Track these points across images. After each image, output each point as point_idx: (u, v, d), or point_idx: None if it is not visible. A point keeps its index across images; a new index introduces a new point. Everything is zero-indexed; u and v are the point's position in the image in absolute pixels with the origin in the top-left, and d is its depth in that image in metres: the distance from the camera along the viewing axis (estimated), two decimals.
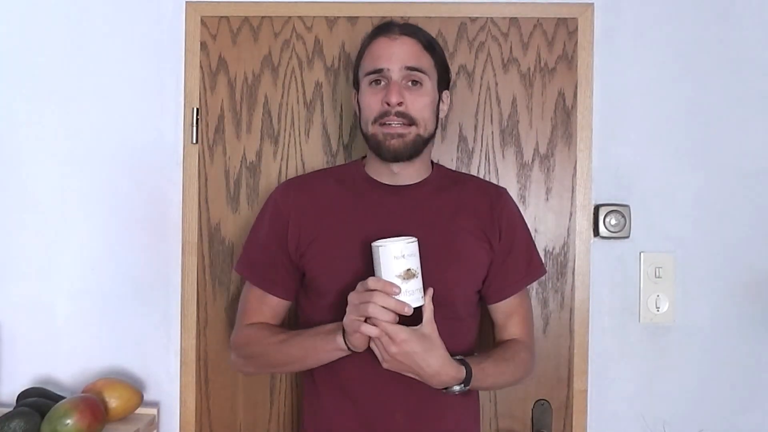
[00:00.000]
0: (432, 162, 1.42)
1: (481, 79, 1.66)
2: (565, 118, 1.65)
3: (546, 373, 1.64)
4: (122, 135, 1.69)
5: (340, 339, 1.22)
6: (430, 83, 1.30)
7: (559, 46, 1.65)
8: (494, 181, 1.64)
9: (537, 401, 1.64)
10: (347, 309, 1.18)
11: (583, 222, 1.64)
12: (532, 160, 1.65)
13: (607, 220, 1.62)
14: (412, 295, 1.15)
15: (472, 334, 1.38)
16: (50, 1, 1.70)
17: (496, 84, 1.65)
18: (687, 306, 1.65)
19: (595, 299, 1.65)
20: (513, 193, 1.64)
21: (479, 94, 1.66)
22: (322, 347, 1.25)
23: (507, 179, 1.65)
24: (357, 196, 1.35)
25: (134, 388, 1.58)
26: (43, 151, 1.70)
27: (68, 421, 1.40)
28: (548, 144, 1.65)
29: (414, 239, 1.17)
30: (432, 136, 1.33)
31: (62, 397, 1.53)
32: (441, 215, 1.34)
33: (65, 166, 1.70)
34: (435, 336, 1.18)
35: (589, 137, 1.65)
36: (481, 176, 1.64)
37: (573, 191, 1.65)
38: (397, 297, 1.14)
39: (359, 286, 1.18)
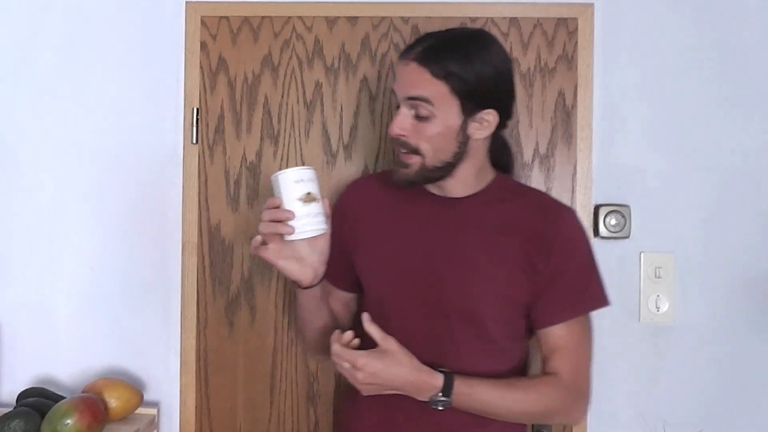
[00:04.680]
0: (498, 174, 1.35)
1: None
2: (565, 118, 1.65)
3: None
4: (122, 135, 1.69)
5: None
6: (441, 113, 1.22)
7: (559, 46, 1.65)
8: None
9: None
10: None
11: (583, 222, 1.64)
12: (532, 160, 1.65)
13: (607, 220, 1.62)
14: (315, 217, 1.21)
15: (512, 360, 1.31)
16: (50, 1, 1.70)
17: None
18: (687, 306, 1.65)
19: None
20: None
21: None
22: None
23: None
24: (406, 203, 1.34)
25: (134, 388, 1.58)
26: (43, 151, 1.70)
27: (68, 421, 1.40)
28: (548, 144, 1.65)
29: (311, 168, 1.23)
30: (451, 163, 1.26)
31: (62, 397, 1.53)
32: (482, 231, 1.28)
33: (65, 166, 1.70)
34: (397, 349, 1.19)
35: (589, 137, 1.64)
36: None
37: (573, 191, 1.65)
38: (299, 220, 1.19)
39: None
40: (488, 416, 1.23)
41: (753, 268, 1.64)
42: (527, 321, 1.30)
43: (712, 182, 1.64)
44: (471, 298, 1.26)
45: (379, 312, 1.28)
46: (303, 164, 1.66)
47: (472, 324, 1.26)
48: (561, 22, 1.65)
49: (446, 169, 1.27)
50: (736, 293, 1.64)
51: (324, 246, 1.28)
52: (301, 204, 1.19)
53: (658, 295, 1.64)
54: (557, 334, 1.28)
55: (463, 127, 1.24)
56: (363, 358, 1.17)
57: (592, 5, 1.64)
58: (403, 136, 1.24)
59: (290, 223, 1.20)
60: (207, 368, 1.67)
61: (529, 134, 1.65)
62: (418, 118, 1.23)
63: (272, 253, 1.24)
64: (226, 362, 1.67)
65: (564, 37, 1.65)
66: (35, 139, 1.70)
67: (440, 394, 1.19)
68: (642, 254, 1.65)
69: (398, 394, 1.22)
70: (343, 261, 1.37)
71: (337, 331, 1.22)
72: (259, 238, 1.25)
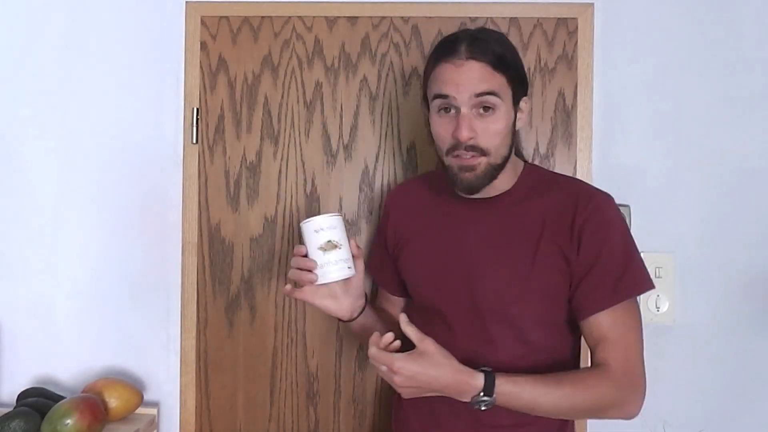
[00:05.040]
0: (526, 164, 1.34)
1: None
2: (565, 118, 1.65)
3: None
4: (122, 135, 1.69)
5: None
6: (504, 105, 1.21)
7: (559, 46, 1.65)
8: None
9: None
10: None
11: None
12: (532, 160, 1.65)
13: None
14: (337, 265, 1.25)
15: (555, 359, 1.26)
16: (50, 1, 1.70)
17: None
18: (687, 306, 1.65)
19: None
20: None
21: None
22: None
23: None
24: (440, 206, 1.34)
25: (134, 388, 1.58)
26: (43, 151, 1.70)
27: (68, 421, 1.40)
28: (548, 144, 1.65)
29: (336, 214, 1.27)
30: (506, 157, 1.26)
31: (62, 397, 1.53)
32: (513, 230, 1.27)
33: (65, 166, 1.70)
34: (435, 351, 1.15)
35: (589, 137, 1.65)
36: None
37: None
38: (321, 268, 1.24)
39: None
40: (535, 413, 1.20)
41: (753, 268, 1.64)
42: (570, 317, 1.26)
43: (712, 182, 1.64)
44: (504, 299, 1.25)
45: (423, 316, 1.28)
46: (304, 167, 1.67)
47: (509, 325, 1.24)
48: (561, 22, 1.65)
49: (502, 166, 1.25)
50: (736, 293, 1.64)
51: (357, 284, 1.33)
52: (322, 253, 1.24)
53: (658, 295, 1.64)
54: (600, 323, 1.21)
55: (512, 120, 1.25)
56: (399, 361, 1.14)
57: (592, 5, 1.64)
58: (473, 138, 1.20)
59: (314, 270, 1.25)
60: (207, 368, 1.68)
61: (529, 134, 1.65)
62: (481, 116, 1.21)
63: (308, 294, 1.30)
64: (226, 362, 1.67)
65: (564, 37, 1.65)
66: (35, 139, 1.70)
67: (482, 394, 1.14)
68: (642, 254, 1.64)
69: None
70: (392, 267, 1.41)
71: (375, 334, 1.20)
72: (289, 285, 1.31)
